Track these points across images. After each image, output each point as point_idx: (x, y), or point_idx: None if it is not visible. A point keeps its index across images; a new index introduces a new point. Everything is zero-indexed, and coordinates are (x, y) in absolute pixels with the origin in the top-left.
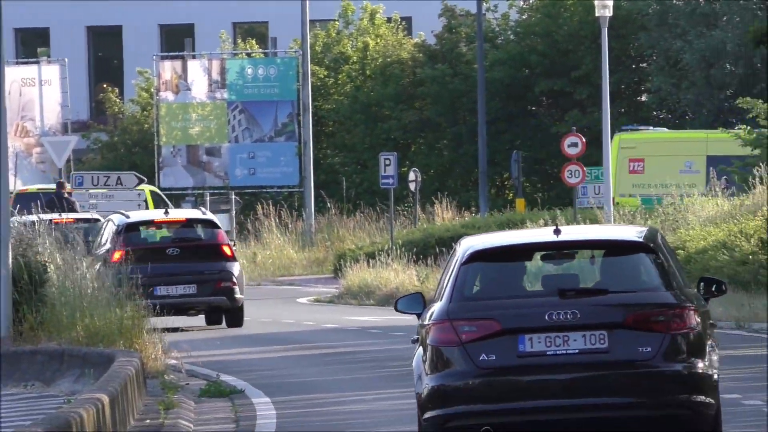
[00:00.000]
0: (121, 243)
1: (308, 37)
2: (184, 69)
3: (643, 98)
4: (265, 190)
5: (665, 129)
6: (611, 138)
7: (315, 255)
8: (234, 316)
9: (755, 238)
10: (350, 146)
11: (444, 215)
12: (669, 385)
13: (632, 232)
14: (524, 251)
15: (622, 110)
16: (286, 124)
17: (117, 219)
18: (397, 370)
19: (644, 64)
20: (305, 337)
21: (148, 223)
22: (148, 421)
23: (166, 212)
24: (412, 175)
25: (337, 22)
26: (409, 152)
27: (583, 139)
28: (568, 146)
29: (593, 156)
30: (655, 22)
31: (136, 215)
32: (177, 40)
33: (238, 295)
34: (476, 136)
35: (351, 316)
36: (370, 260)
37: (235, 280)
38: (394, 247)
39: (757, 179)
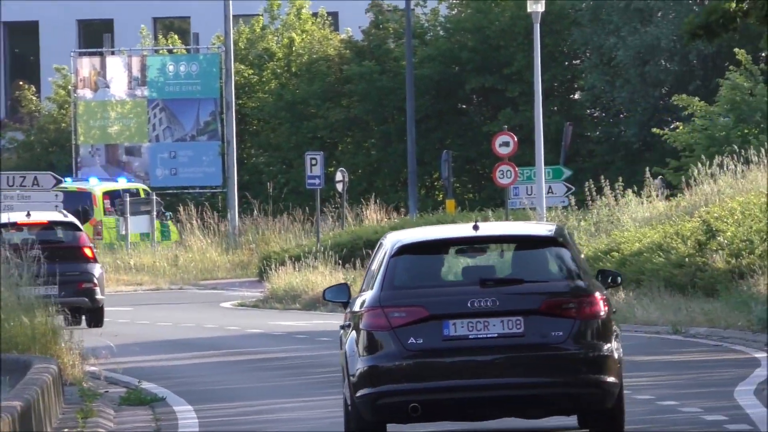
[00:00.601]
0: None
1: (231, 32)
2: (103, 66)
3: (577, 96)
4: (187, 190)
5: None
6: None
7: (239, 258)
8: (95, 316)
9: (692, 240)
10: (275, 145)
11: (372, 216)
12: (578, 366)
13: (543, 228)
14: (448, 245)
15: (555, 108)
16: (208, 122)
17: None
18: (325, 377)
19: (577, 62)
20: (229, 343)
21: (10, 225)
22: (66, 430)
23: (28, 214)
24: (339, 175)
25: (261, 18)
26: (336, 151)
27: (515, 138)
28: (500, 145)
29: (525, 155)
30: (589, 18)
31: None
32: (95, 35)
33: (98, 296)
34: (405, 135)
35: (276, 320)
36: (296, 263)
37: (96, 281)
38: (321, 250)
39: (692, 180)
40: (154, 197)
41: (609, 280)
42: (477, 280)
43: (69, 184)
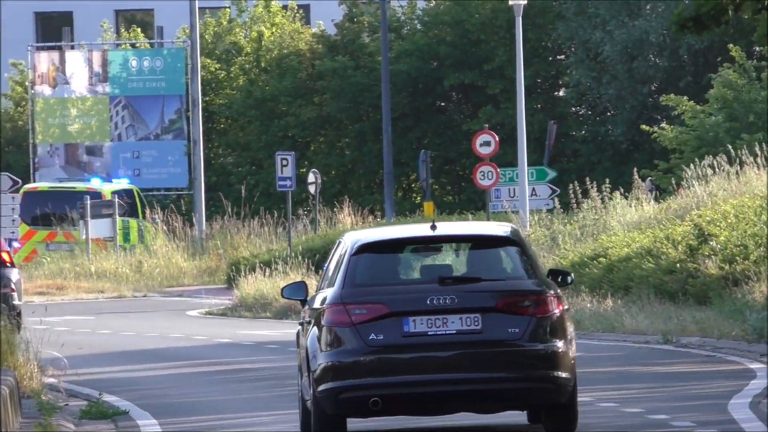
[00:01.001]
0: None
1: (198, 25)
2: (62, 61)
3: (561, 93)
4: (151, 192)
5: None
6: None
7: (206, 263)
8: (13, 322)
9: (683, 245)
10: (244, 145)
11: (346, 220)
12: (534, 362)
13: (499, 228)
14: (406, 244)
15: (539, 106)
16: (173, 120)
17: None
18: (297, 389)
19: (562, 57)
20: (196, 353)
21: None
22: None
23: None
24: (311, 177)
25: (228, 10)
26: (308, 151)
27: (497, 138)
28: (481, 145)
29: (507, 156)
30: (574, 11)
31: None
32: (54, 29)
33: (15, 302)
34: (381, 134)
35: (246, 329)
36: (267, 269)
37: (13, 286)
38: (292, 255)
39: (684, 181)
40: (116, 200)
41: (559, 280)
42: (435, 278)
43: (78, 184)
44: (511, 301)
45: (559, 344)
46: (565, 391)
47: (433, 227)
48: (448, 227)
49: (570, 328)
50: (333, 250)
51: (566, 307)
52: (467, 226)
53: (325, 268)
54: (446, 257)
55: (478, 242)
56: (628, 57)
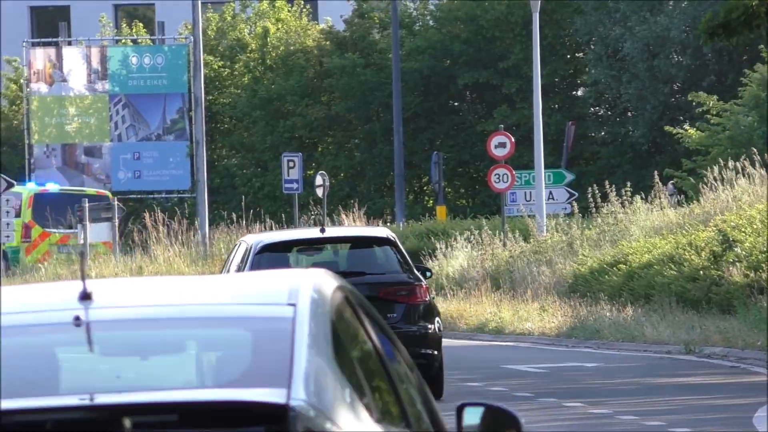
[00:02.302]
0: None
1: (200, 21)
2: (59, 57)
3: (580, 92)
4: (152, 195)
5: None
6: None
7: (209, 269)
8: None
9: (706, 251)
10: (249, 146)
11: (355, 225)
12: (410, 341)
13: (379, 231)
14: (301, 244)
15: (556, 106)
16: (175, 120)
17: None
18: None
19: (580, 54)
20: None
21: None
22: None
23: None
24: (319, 179)
25: (233, 5)
26: (316, 153)
27: (512, 139)
28: (495, 147)
29: (523, 158)
30: (593, 6)
31: None
32: (50, 23)
33: None
34: (391, 135)
35: None
36: None
37: None
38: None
39: (707, 185)
40: (116, 203)
41: (420, 273)
42: None
43: (84, 188)
44: (389, 291)
45: (429, 326)
46: (434, 365)
47: (322, 230)
48: (335, 230)
49: (436, 313)
50: (233, 251)
51: (433, 295)
52: (350, 229)
53: (225, 266)
54: (334, 255)
55: (361, 242)
56: (649, 54)
